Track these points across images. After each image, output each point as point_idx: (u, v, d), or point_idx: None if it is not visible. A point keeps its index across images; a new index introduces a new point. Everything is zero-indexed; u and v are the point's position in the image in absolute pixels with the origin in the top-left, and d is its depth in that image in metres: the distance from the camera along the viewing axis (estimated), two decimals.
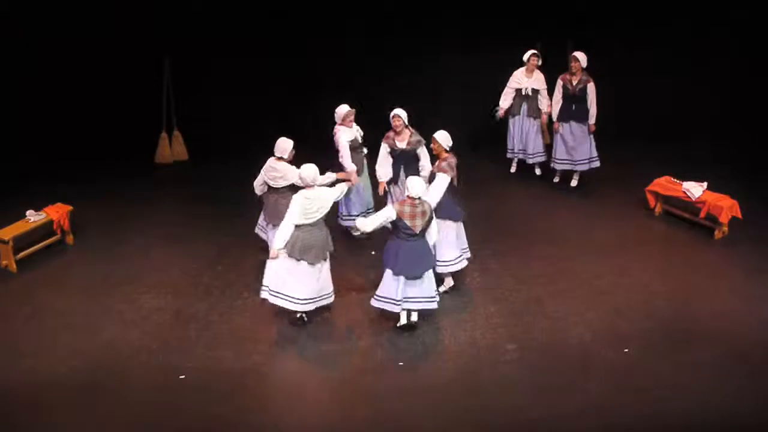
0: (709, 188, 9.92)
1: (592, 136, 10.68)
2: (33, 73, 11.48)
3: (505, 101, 11.02)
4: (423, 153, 9.07)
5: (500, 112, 11.06)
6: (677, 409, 7.12)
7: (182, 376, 7.52)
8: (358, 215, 9.34)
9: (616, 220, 10.29)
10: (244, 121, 11.94)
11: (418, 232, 7.73)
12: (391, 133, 9.11)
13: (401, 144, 9.06)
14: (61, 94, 11.56)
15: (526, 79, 10.87)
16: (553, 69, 10.96)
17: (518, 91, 10.93)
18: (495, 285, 8.91)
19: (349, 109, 9.30)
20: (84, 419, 7.02)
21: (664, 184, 10.23)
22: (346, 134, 9.27)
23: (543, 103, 10.90)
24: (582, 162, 10.86)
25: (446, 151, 8.42)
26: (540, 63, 10.80)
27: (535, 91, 10.87)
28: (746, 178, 10.82)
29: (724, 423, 7.00)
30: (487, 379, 7.54)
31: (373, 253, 9.38)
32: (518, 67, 10.90)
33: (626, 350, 7.85)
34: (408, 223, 7.70)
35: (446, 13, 12.22)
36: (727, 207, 9.62)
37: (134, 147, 11.78)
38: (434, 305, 8.05)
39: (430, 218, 7.79)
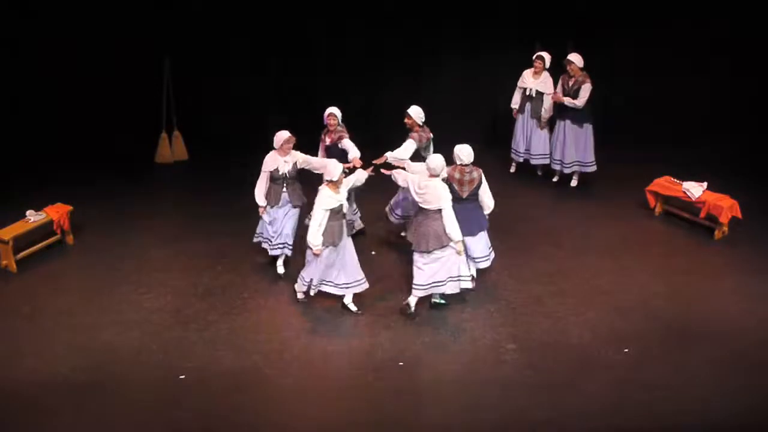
0: (709, 188, 9.93)
1: (585, 141, 10.64)
2: (33, 73, 11.47)
3: (514, 101, 11.05)
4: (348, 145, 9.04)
5: (514, 113, 11.10)
6: (677, 409, 7.13)
7: (182, 376, 7.53)
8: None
9: (616, 220, 10.29)
10: (244, 121, 11.92)
11: (465, 197, 8.25)
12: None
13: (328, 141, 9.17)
14: (62, 93, 11.55)
15: (531, 80, 10.84)
16: (552, 69, 10.92)
17: (524, 90, 10.95)
18: (495, 285, 8.92)
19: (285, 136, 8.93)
20: (84, 419, 7.03)
21: (664, 184, 10.23)
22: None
23: (545, 107, 10.85)
24: (567, 165, 10.86)
25: (419, 126, 9.03)
26: (546, 66, 10.73)
27: (540, 94, 10.82)
28: (746, 178, 10.82)
29: (724, 423, 7.01)
30: (487, 379, 7.54)
31: (373, 253, 9.40)
32: (526, 67, 10.90)
33: (626, 350, 7.86)
34: (456, 187, 8.21)
35: (446, 12, 12.19)
36: (727, 207, 9.62)
37: (134, 147, 11.77)
38: (487, 263, 8.68)
39: (478, 186, 8.28)
